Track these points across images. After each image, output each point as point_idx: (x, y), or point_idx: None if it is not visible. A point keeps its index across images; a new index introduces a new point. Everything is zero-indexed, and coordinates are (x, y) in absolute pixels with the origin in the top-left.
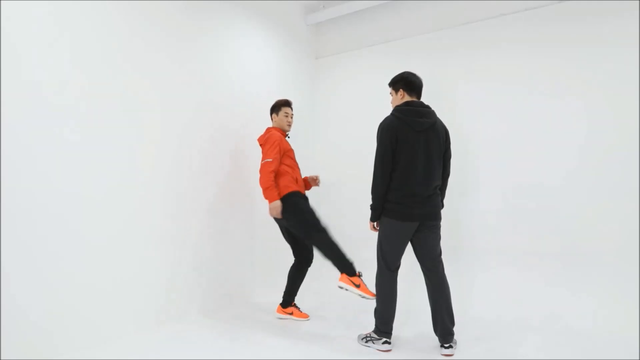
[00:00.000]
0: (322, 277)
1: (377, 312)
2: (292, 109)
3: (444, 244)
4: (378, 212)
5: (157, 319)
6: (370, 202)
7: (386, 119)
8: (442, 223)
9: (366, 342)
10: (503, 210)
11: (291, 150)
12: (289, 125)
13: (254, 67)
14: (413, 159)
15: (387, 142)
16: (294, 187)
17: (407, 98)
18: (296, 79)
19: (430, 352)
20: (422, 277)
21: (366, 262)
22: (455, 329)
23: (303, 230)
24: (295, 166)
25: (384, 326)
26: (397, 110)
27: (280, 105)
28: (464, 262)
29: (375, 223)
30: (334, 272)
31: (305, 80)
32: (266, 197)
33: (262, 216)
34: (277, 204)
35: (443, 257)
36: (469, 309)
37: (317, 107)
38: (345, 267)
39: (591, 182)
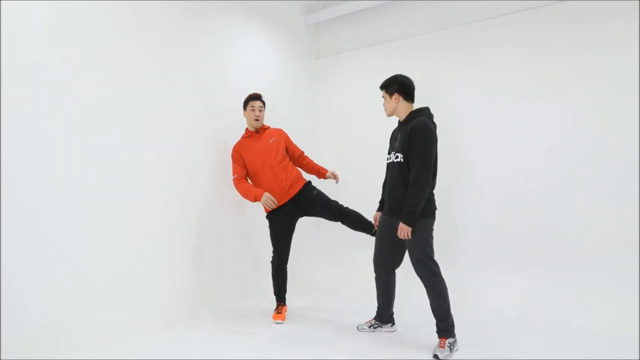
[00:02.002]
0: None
1: (446, 312)
2: (260, 101)
3: (443, 243)
4: (418, 216)
5: (159, 318)
6: (360, 202)
7: (425, 120)
8: (441, 223)
9: (450, 348)
10: (503, 210)
11: (256, 153)
12: (256, 120)
13: (253, 67)
14: (436, 159)
15: (436, 143)
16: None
17: (402, 102)
18: (296, 79)
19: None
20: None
21: (367, 264)
22: (455, 329)
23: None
24: (266, 170)
25: (452, 324)
26: (425, 112)
27: (247, 101)
28: (463, 262)
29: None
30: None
31: (305, 80)
32: (253, 199)
33: (261, 217)
34: (265, 194)
35: (442, 257)
36: (469, 309)
37: (317, 107)
38: None
39: (591, 183)
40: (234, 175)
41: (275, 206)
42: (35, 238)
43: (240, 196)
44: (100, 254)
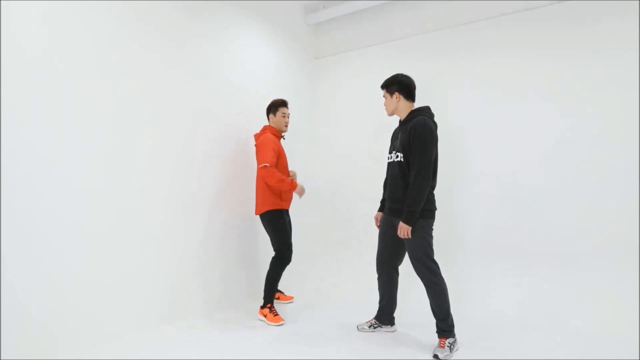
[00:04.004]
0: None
1: (446, 312)
2: (288, 109)
3: (443, 243)
4: (418, 216)
5: (159, 318)
6: (363, 203)
7: (425, 119)
8: (441, 223)
9: (450, 348)
10: (503, 210)
11: (283, 155)
12: (286, 126)
13: (253, 67)
14: (436, 159)
15: (436, 143)
16: (275, 204)
17: (402, 101)
18: (296, 79)
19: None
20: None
21: (367, 264)
22: (455, 329)
23: (275, 245)
24: (284, 172)
25: (452, 324)
26: (426, 112)
27: (277, 106)
28: (463, 262)
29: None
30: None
31: (305, 80)
32: (286, 189)
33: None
34: (299, 186)
35: (442, 256)
36: (469, 309)
37: (317, 107)
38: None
39: (591, 183)
40: (266, 163)
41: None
42: (35, 237)
43: (269, 181)
44: (101, 254)
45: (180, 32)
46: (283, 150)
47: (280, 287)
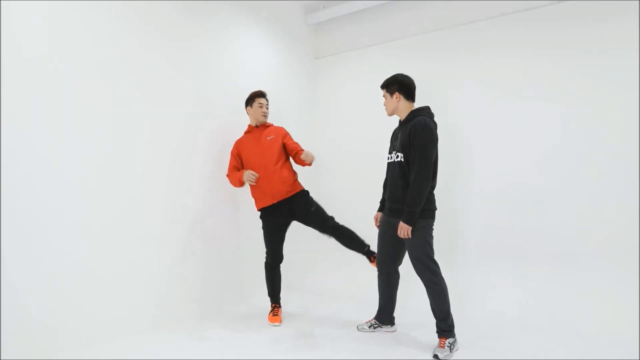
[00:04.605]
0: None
1: (446, 312)
2: (266, 99)
3: (443, 243)
4: (418, 216)
5: (160, 317)
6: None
7: (426, 119)
8: (441, 223)
9: (450, 348)
10: (503, 210)
11: (252, 149)
12: (265, 116)
13: (253, 67)
14: (436, 159)
15: (436, 143)
16: (258, 203)
17: (403, 101)
18: (296, 79)
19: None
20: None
21: (365, 262)
22: (455, 329)
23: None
24: (259, 166)
25: (452, 324)
26: (426, 112)
27: (253, 97)
28: (463, 262)
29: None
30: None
31: (305, 80)
32: (239, 183)
33: (258, 218)
34: (245, 172)
35: (442, 256)
36: (469, 309)
37: (317, 107)
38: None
39: (591, 183)
40: (227, 173)
41: (253, 180)
42: (35, 236)
43: (234, 187)
44: (101, 253)
45: (180, 32)
46: (258, 142)
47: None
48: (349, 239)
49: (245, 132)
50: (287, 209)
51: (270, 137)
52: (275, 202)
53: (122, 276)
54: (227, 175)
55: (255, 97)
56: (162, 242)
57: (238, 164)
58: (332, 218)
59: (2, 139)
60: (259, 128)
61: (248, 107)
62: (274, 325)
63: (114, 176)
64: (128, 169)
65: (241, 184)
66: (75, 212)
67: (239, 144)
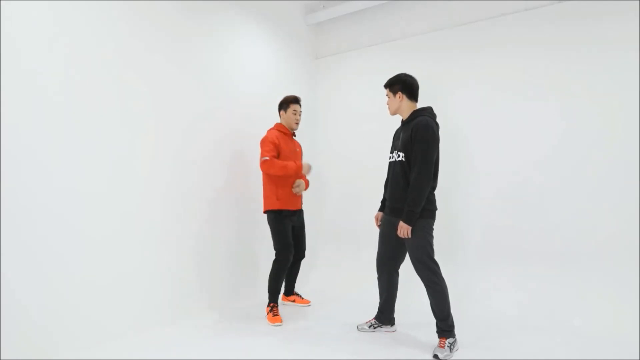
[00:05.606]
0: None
1: (447, 312)
2: (300, 106)
3: (443, 243)
4: (418, 216)
5: (158, 318)
6: (364, 203)
7: (427, 119)
8: (442, 223)
9: (450, 348)
10: (503, 210)
11: (288, 150)
12: (297, 124)
13: (253, 67)
14: (437, 160)
15: (437, 144)
16: (273, 205)
17: (405, 101)
18: (296, 79)
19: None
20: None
21: (368, 264)
22: (455, 329)
23: (274, 246)
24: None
25: (452, 324)
26: (428, 112)
27: (289, 102)
28: (463, 262)
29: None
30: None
31: (305, 80)
32: (290, 173)
33: (261, 217)
34: (305, 164)
35: (443, 257)
36: (469, 309)
37: (317, 107)
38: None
39: (591, 182)
40: (265, 157)
41: (300, 192)
42: (35, 238)
43: (273, 172)
44: (100, 254)
45: (181, 32)
46: (293, 147)
47: (298, 288)
48: (295, 271)
49: (279, 131)
50: (297, 218)
51: (298, 149)
52: (294, 209)
53: (121, 277)
54: (271, 161)
55: (290, 103)
56: (163, 243)
57: (277, 154)
58: (305, 249)
59: (2, 140)
60: (290, 134)
61: (282, 111)
62: (275, 326)
63: (113, 176)
64: (128, 169)
65: (285, 174)
66: (75, 213)
67: (279, 137)
